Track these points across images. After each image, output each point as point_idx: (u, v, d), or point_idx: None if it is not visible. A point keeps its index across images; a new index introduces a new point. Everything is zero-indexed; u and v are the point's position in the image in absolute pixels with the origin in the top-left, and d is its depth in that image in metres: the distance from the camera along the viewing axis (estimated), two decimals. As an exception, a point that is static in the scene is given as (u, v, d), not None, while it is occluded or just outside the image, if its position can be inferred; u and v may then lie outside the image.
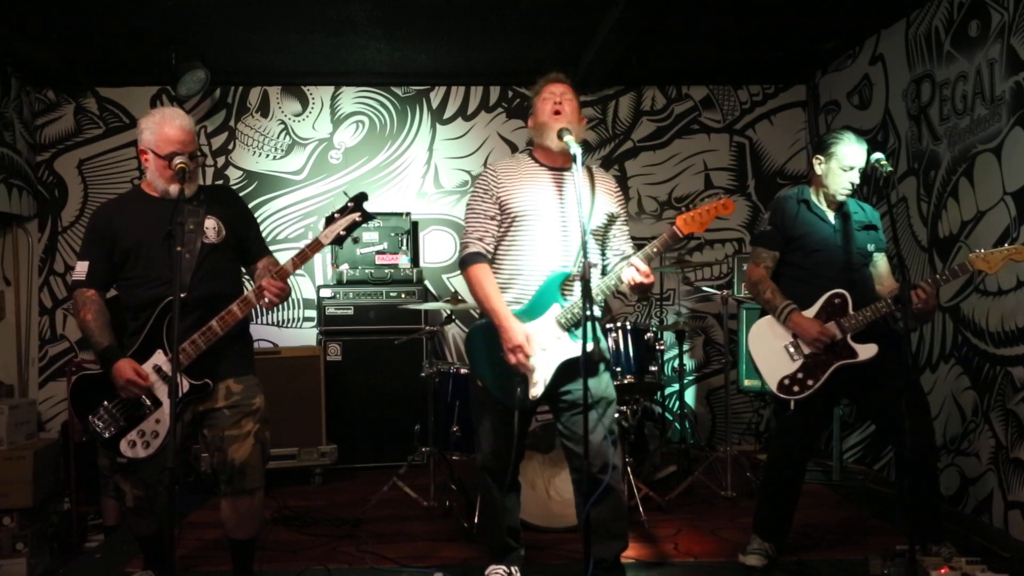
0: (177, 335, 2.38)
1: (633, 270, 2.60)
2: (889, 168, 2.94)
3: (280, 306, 5.37)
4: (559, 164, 2.80)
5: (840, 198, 3.13)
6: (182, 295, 2.57)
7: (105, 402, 2.67)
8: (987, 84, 3.72)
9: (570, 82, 2.83)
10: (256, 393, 2.81)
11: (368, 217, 2.69)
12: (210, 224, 2.77)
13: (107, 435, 2.66)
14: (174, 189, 2.64)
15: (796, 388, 3.05)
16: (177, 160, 2.64)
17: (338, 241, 2.69)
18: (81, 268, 2.75)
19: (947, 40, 4.02)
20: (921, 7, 4.23)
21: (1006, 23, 3.57)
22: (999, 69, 3.63)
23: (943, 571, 2.72)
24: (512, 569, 2.95)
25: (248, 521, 2.81)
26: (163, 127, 2.66)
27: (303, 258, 2.67)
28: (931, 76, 4.17)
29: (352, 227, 2.68)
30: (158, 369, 2.68)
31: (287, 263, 2.68)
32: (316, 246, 2.68)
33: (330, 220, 2.70)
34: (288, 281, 2.71)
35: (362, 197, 2.70)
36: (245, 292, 2.71)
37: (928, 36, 4.19)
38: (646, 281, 2.60)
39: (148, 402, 2.66)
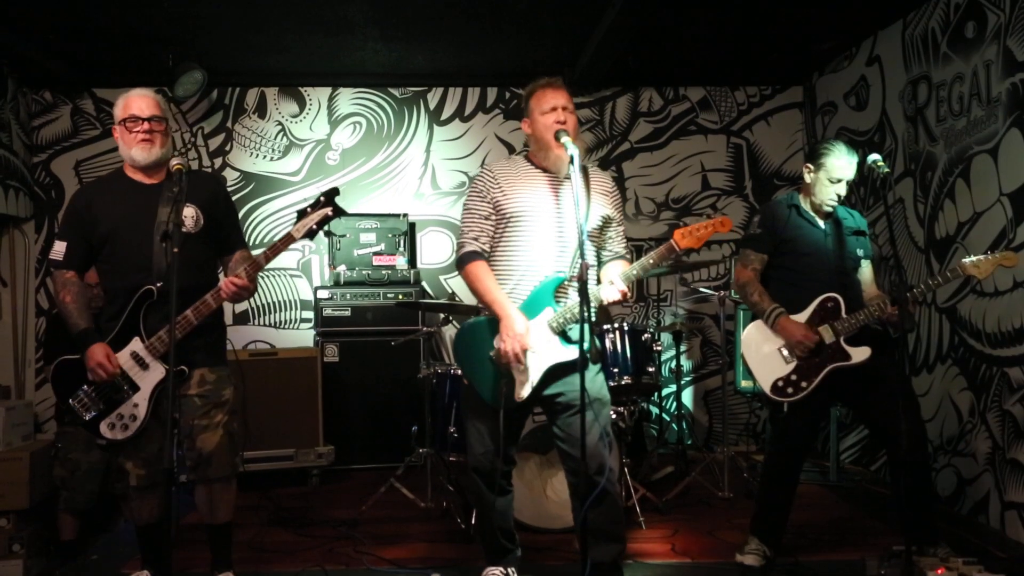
0: (173, 336, 2.39)
1: (613, 290, 2.62)
2: (886, 169, 2.94)
3: (277, 307, 5.37)
4: (556, 169, 2.80)
5: (827, 208, 3.13)
6: (158, 284, 2.69)
7: (84, 386, 2.75)
8: (983, 85, 3.72)
9: (568, 88, 2.81)
10: (227, 384, 2.87)
11: (340, 212, 2.74)
12: (188, 212, 2.80)
13: (87, 417, 2.74)
14: (137, 154, 2.75)
15: (790, 390, 3.05)
16: (139, 132, 2.73)
17: (310, 235, 2.75)
18: (59, 248, 2.80)
19: (943, 41, 4.02)
20: (917, 8, 4.24)
21: (1002, 24, 3.58)
22: (995, 70, 3.64)
23: (940, 572, 2.72)
24: (509, 570, 2.95)
25: (219, 506, 2.88)
26: (125, 100, 2.80)
27: (275, 251, 2.75)
28: (928, 77, 4.18)
29: (324, 221, 2.74)
30: (135, 355, 2.74)
31: (259, 256, 2.75)
32: (288, 240, 2.74)
33: (302, 214, 2.75)
34: (256, 279, 2.78)
35: (334, 192, 2.77)
36: (220, 282, 2.77)
37: (924, 37, 4.19)
38: (622, 299, 2.65)
39: (126, 387, 2.73)
